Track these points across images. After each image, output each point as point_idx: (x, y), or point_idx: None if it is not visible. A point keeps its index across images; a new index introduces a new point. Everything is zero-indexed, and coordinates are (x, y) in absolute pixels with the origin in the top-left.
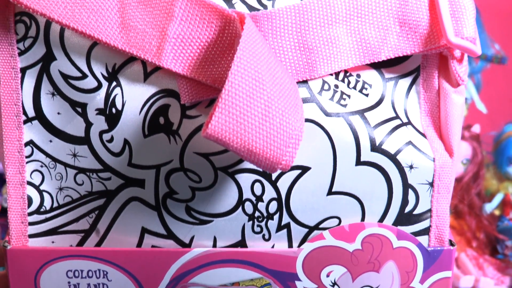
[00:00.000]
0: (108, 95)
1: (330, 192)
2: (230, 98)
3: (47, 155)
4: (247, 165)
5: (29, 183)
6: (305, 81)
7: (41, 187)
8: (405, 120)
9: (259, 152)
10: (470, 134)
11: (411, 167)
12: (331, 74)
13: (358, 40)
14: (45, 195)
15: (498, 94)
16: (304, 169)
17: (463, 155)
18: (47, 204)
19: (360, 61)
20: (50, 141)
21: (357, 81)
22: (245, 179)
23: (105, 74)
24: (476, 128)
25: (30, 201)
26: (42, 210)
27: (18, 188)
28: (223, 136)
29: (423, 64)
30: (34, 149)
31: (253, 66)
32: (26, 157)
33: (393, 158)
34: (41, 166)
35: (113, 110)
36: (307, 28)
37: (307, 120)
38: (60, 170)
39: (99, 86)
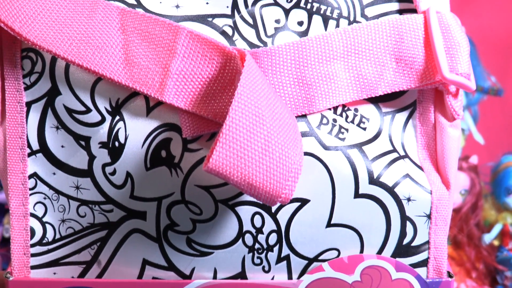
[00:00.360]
0: (111, 129)
1: (329, 224)
2: (231, 133)
3: (51, 187)
4: (247, 197)
5: (32, 215)
6: (304, 115)
7: (44, 219)
8: (402, 153)
9: (259, 186)
10: (468, 165)
11: (408, 199)
12: (330, 109)
13: (356, 75)
14: (48, 226)
15: (495, 125)
16: (304, 202)
17: (461, 186)
18: (50, 235)
19: (357, 96)
20: (54, 173)
21: (355, 115)
22: (245, 211)
23: (109, 109)
24: (474, 159)
25: (33, 232)
26: (44, 241)
27: (21, 219)
28: (224, 170)
29: (419, 98)
30: (38, 181)
31: (253, 101)
32: (30, 189)
33: (391, 190)
34: (44, 198)
35: (116, 143)
36: (306, 65)
37: (306, 154)
38: (63, 202)
39: (103, 120)
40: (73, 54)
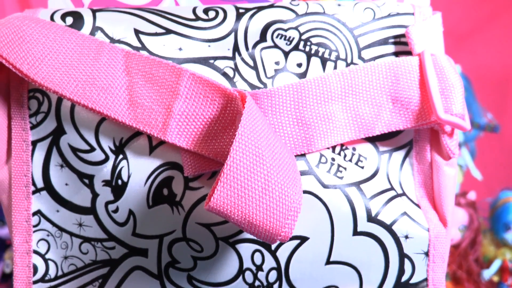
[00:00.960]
0: (114, 167)
1: (328, 262)
2: (232, 173)
3: (54, 224)
4: (247, 235)
5: (35, 252)
6: (303, 155)
7: (47, 256)
8: (400, 191)
9: (259, 225)
10: (466, 201)
11: (406, 237)
12: (328, 148)
13: (353, 116)
14: (50, 263)
15: (493, 161)
16: (303, 239)
17: (459, 222)
18: (52, 272)
19: (355, 136)
20: (57, 211)
21: (353, 154)
22: (246, 249)
23: (113, 148)
24: (472, 195)
25: (35, 269)
26: (47, 278)
27: (24, 256)
28: (225, 209)
29: (415, 138)
30: (42, 218)
31: (254, 142)
32: (34, 226)
33: (389, 228)
34: (48, 235)
35: (119, 181)
36: (305, 105)
37: (305, 192)
38: (65, 239)
39: (106, 158)
40: (78, 95)
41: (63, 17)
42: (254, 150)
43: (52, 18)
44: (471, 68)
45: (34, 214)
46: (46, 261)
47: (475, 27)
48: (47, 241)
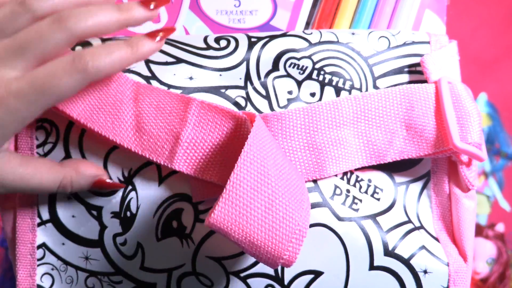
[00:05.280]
0: (123, 198)
1: None
2: (234, 189)
3: (59, 258)
4: (259, 269)
5: (39, 287)
6: (317, 186)
7: None
8: (417, 224)
9: (261, 245)
10: (494, 233)
11: (425, 272)
12: (342, 179)
13: (365, 142)
14: None
15: None
16: (317, 274)
17: (487, 255)
18: None
19: (366, 162)
20: (63, 244)
21: (368, 186)
22: (258, 284)
23: (121, 178)
24: (500, 227)
25: None
26: None
27: None
28: (225, 226)
29: (433, 169)
30: (46, 251)
31: (260, 160)
32: (38, 259)
33: (406, 263)
34: (52, 269)
35: (128, 213)
36: (316, 129)
37: (319, 225)
38: (71, 273)
39: (115, 190)
40: (86, 118)
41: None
42: (259, 168)
43: None
44: (498, 96)
45: (39, 247)
46: None
47: (501, 54)
48: (51, 275)
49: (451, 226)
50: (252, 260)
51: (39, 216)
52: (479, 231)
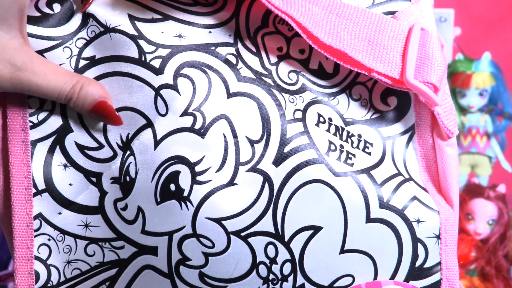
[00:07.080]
0: (122, 164)
1: (342, 251)
2: None
3: (55, 227)
4: (259, 228)
5: (37, 258)
6: (312, 142)
7: (48, 262)
8: (407, 176)
9: None
10: (495, 194)
11: (418, 221)
12: (335, 135)
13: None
14: (52, 269)
15: None
16: (316, 229)
17: (488, 216)
18: (54, 279)
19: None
20: (59, 213)
21: (359, 141)
22: (259, 242)
23: (120, 144)
24: (501, 188)
25: (37, 276)
26: (49, 285)
27: (25, 263)
28: None
29: (417, 122)
30: (43, 222)
31: None
32: (34, 230)
33: (401, 213)
34: (49, 240)
35: (127, 178)
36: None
37: (317, 181)
38: (69, 243)
39: (115, 155)
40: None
41: (49, 4)
42: None
43: (36, 6)
44: (502, 56)
45: (35, 217)
46: (48, 267)
47: (505, 14)
48: (48, 246)
49: (437, 176)
50: (251, 219)
51: (35, 186)
52: (481, 192)
